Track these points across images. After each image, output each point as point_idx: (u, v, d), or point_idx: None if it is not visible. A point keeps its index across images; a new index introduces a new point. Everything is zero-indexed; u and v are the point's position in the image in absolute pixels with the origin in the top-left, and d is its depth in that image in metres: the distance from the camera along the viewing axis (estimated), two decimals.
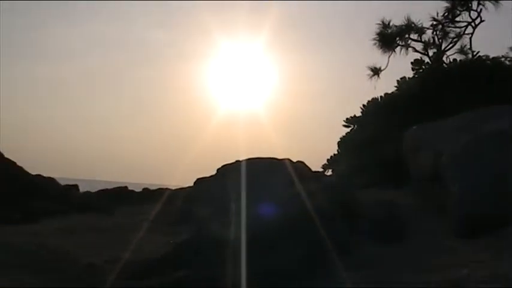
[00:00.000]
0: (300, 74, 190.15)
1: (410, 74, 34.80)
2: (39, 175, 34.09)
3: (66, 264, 13.43)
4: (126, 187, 39.93)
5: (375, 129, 29.75)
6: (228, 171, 27.21)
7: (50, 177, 34.85)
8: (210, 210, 23.18)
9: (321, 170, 34.85)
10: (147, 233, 20.61)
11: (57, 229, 20.37)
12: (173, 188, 38.65)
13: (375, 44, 33.86)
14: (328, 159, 35.81)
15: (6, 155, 32.20)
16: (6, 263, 13.45)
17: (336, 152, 35.21)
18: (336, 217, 14.39)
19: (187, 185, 35.83)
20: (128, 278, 12.04)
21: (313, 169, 27.61)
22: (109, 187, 40.60)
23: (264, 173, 25.73)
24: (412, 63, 34.89)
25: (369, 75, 34.00)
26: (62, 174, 47.37)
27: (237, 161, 28.44)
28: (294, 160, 27.51)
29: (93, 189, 40.66)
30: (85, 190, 39.38)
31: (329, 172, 34.99)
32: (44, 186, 32.02)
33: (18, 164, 32.15)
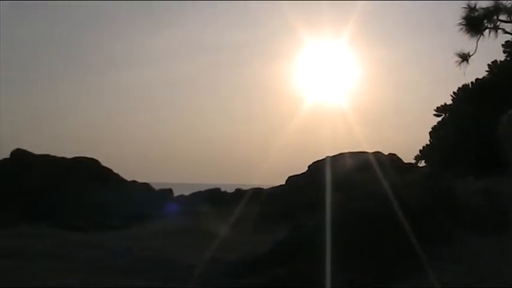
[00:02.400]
0: (387, 66, 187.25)
1: (501, 57, 33.57)
2: (135, 181, 35.23)
3: (168, 266, 13.73)
4: (219, 188, 40.58)
5: (467, 116, 28.93)
6: (319, 167, 27.23)
7: (145, 183, 35.94)
8: (303, 207, 23.26)
9: (414, 161, 34.21)
10: (243, 233, 20.87)
11: (156, 232, 20.93)
12: (265, 187, 38.98)
13: (462, 29, 32.79)
14: (420, 150, 35.11)
15: (103, 163, 33.62)
16: (112, 267, 13.93)
17: (428, 142, 34.48)
18: (435, 209, 14.03)
19: (278, 184, 36.16)
20: (228, 278, 12.16)
21: (406, 161, 27.21)
22: (202, 189, 41.44)
23: (356, 168, 25.58)
24: (503, 45, 33.65)
25: (457, 61, 33.00)
26: (156, 179, 48.54)
27: (328, 157, 28.45)
28: (385, 153, 27.20)
29: (187, 193, 41.58)
30: (179, 194, 40.38)
31: (422, 163, 34.31)
32: (140, 191, 33.03)
33: (115, 171, 33.53)
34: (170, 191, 37.96)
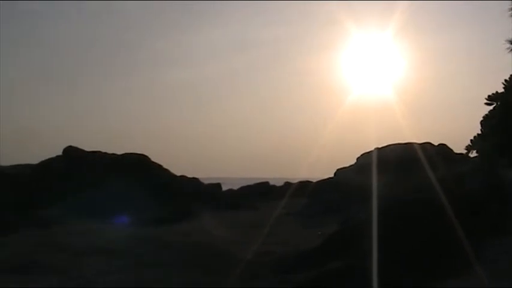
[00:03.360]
0: (435, 57, 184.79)
1: None
2: (184, 176, 35.63)
3: (221, 260, 13.84)
4: (267, 182, 40.75)
5: None
6: (368, 159, 27.02)
7: (194, 178, 36.30)
8: (352, 200, 23.14)
9: (465, 151, 33.57)
10: (294, 226, 20.94)
11: (207, 227, 21.11)
12: (313, 180, 38.89)
13: None
14: (471, 140, 34.38)
15: (153, 159, 34.06)
16: (163, 261, 14.12)
17: (480, 132, 33.78)
18: (487, 202, 13.75)
19: (327, 176, 36.08)
20: (282, 271, 12.18)
21: (456, 151, 26.76)
22: (250, 184, 41.62)
23: (404, 159, 25.31)
24: None
25: (508, 48, 32.26)
26: (204, 174, 48.96)
27: (375, 149, 28.21)
28: (435, 144, 26.83)
29: (235, 187, 41.84)
30: (227, 188, 40.65)
31: (473, 153, 33.63)
32: (190, 186, 33.37)
33: (165, 166, 33.95)
34: (219, 185, 38.29)
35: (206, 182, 37.44)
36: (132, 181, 27.60)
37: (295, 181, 39.31)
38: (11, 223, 21.36)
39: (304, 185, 37.09)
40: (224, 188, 39.32)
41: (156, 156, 33.75)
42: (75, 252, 15.69)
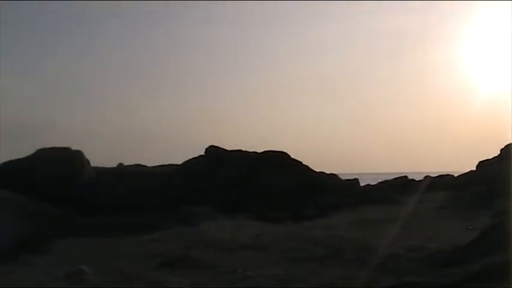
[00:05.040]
0: None
1: None
2: (323, 172, 35.77)
3: (367, 255, 13.76)
4: (405, 176, 39.92)
5: None
6: None
7: (332, 174, 36.35)
8: (497, 193, 22.18)
9: None
10: (439, 220, 20.42)
11: (350, 222, 21.12)
12: (453, 174, 37.80)
13: None
14: None
15: (292, 156, 34.45)
16: (311, 257, 14.27)
17: None
18: None
19: (468, 169, 34.96)
20: (434, 266, 11.96)
21: None
22: (387, 178, 40.96)
23: None
24: None
25: None
26: (342, 170, 48.93)
27: None
28: None
29: (373, 182, 41.39)
30: (365, 183, 40.31)
31: None
32: (329, 182, 33.49)
33: (304, 163, 34.21)
34: (356, 180, 38.09)
35: (344, 177, 37.45)
36: (274, 178, 28.13)
37: (435, 174, 38.41)
38: (162, 220, 22.47)
39: (445, 178, 36.17)
40: (362, 183, 39.13)
41: (297, 154, 34.13)
42: (224, 248, 16.24)
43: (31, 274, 13.20)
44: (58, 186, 27.50)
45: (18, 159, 31.19)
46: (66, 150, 31.50)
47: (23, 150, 32.43)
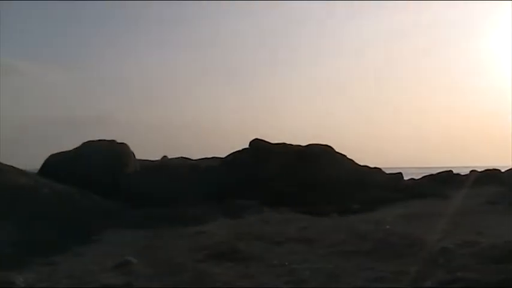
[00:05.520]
0: None
1: None
2: (367, 166, 35.53)
3: (418, 249, 13.55)
4: (451, 171, 39.41)
5: None
6: None
7: (376, 167, 36.09)
8: None
9: None
10: (490, 215, 20.05)
11: (397, 216, 20.84)
12: (501, 169, 37.17)
13: None
14: None
15: (336, 149, 34.28)
16: (358, 250, 14.12)
17: None
18: None
19: None
20: (486, 262, 11.72)
21: None
22: (431, 172, 40.53)
23: None
24: None
25: None
26: (386, 164, 48.61)
27: None
28: None
29: (417, 176, 41.00)
30: (408, 177, 39.95)
31: None
32: (373, 176, 33.23)
33: (349, 157, 34.05)
34: (400, 174, 37.76)
35: (388, 171, 37.19)
36: (319, 172, 28.02)
37: (481, 169, 37.84)
38: (208, 213, 22.58)
39: (492, 173, 35.57)
40: (406, 177, 38.82)
41: (340, 147, 34.01)
42: (271, 241, 16.19)
43: (81, 265, 13.49)
44: (105, 177, 27.83)
45: (65, 151, 31.65)
46: (111, 142, 31.84)
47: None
